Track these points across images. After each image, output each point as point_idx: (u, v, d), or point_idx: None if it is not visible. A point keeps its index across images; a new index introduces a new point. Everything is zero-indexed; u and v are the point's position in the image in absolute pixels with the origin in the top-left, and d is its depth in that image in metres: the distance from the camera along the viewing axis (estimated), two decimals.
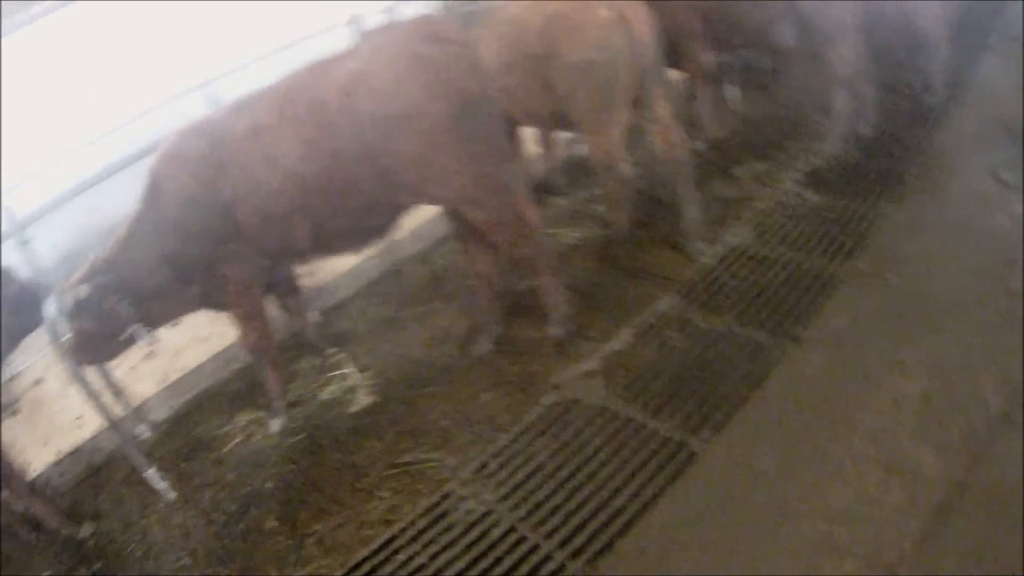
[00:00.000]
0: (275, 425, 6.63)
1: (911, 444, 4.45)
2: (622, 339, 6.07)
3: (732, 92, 9.66)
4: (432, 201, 5.97)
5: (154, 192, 6.05)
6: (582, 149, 7.35)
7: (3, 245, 6.50)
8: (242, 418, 6.95)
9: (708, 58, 8.53)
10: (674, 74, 9.10)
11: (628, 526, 4.54)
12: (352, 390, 6.79)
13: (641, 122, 6.73)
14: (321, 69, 5.80)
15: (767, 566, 4.06)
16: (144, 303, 6.21)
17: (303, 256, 6.47)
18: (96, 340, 6.12)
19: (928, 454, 4.36)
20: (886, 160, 7.49)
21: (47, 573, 6.10)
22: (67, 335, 6.07)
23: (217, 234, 6.00)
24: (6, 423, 6.66)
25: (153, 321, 6.36)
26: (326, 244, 6.25)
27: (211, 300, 6.50)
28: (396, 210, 6.11)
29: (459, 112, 5.51)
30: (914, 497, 4.15)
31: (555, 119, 7.12)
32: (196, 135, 5.99)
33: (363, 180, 5.72)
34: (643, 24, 6.36)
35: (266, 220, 5.93)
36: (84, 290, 5.86)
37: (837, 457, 4.52)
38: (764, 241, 6.70)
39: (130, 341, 6.29)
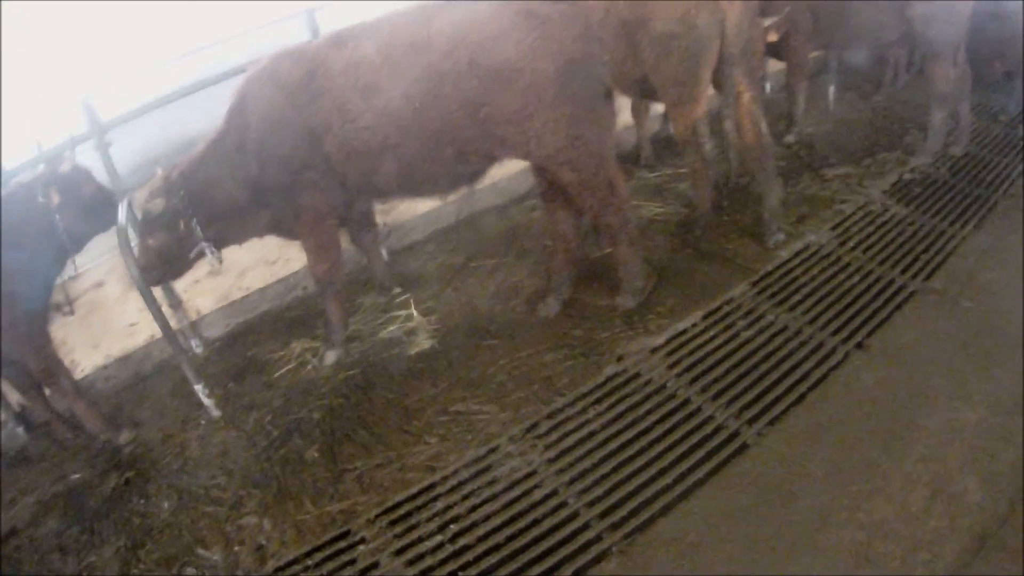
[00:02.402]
0: (330, 357, 6.69)
1: (959, 470, 4.40)
2: (690, 320, 6.03)
3: (830, 91, 9.61)
4: (526, 157, 5.95)
5: (241, 111, 6.09)
6: (672, 128, 7.34)
7: (83, 146, 6.54)
8: (297, 346, 7.03)
9: (811, 54, 8.51)
10: (776, 64, 9.11)
11: (670, 508, 4.53)
12: (412, 332, 6.82)
13: (722, 106, 6.73)
14: (432, 12, 5.80)
15: (801, 569, 4.03)
16: (216, 222, 6.27)
17: (386, 194, 6.49)
18: (164, 256, 6.16)
19: (974, 483, 4.30)
20: (974, 184, 7.36)
21: (77, 475, 6.23)
22: (136, 244, 6.17)
23: (302, 162, 6.05)
24: (59, 322, 6.75)
25: (222, 241, 6.40)
26: (412, 186, 6.27)
27: (283, 226, 6.53)
28: (487, 161, 6.11)
29: (564, 71, 5.53)
30: (955, 523, 4.11)
31: (641, 88, 7.09)
32: (294, 60, 6.01)
33: (461, 127, 5.74)
34: (735, 7, 6.32)
35: (356, 155, 5.95)
36: (159, 204, 5.91)
37: (885, 471, 4.48)
38: (843, 244, 6.60)
39: (197, 259, 6.36)
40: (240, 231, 6.52)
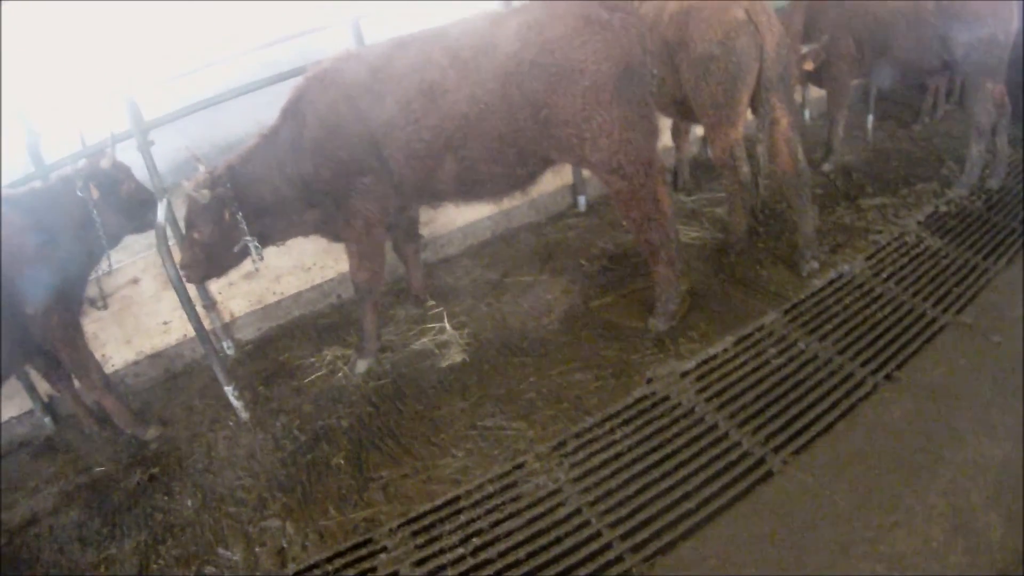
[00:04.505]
0: (361, 365, 6.71)
1: (983, 507, 4.37)
2: (721, 345, 6.04)
3: (869, 120, 9.59)
4: (580, 161, 6.04)
5: (298, 110, 6.14)
6: (711, 152, 7.37)
7: (124, 144, 6.59)
8: (329, 353, 7.06)
9: (852, 82, 8.51)
10: (816, 92, 9.11)
11: (692, 532, 4.52)
12: (445, 345, 6.84)
13: (758, 131, 6.75)
14: (494, 17, 5.95)
15: None
16: (261, 218, 6.30)
17: (441, 197, 6.52)
18: (208, 250, 6.19)
19: (998, 521, 4.27)
20: (1009, 217, 7.32)
21: (101, 468, 6.29)
22: (176, 240, 6.22)
23: (358, 165, 6.09)
24: (93, 317, 6.80)
25: (266, 238, 6.43)
26: (469, 188, 6.33)
27: (330, 228, 6.56)
28: (544, 164, 6.19)
29: (621, 76, 5.65)
30: (975, 560, 4.09)
31: (680, 109, 7.17)
32: (355, 62, 6.09)
33: (521, 129, 5.83)
34: (773, 33, 6.40)
35: (417, 156, 6.01)
36: (205, 196, 5.91)
37: (909, 505, 4.45)
38: (876, 274, 6.59)
39: (240, 256, 6.37)
40: (285, 229, 6.56)
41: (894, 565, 4.15)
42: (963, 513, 4.40)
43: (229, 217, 6.09)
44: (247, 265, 6.53)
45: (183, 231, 6.46)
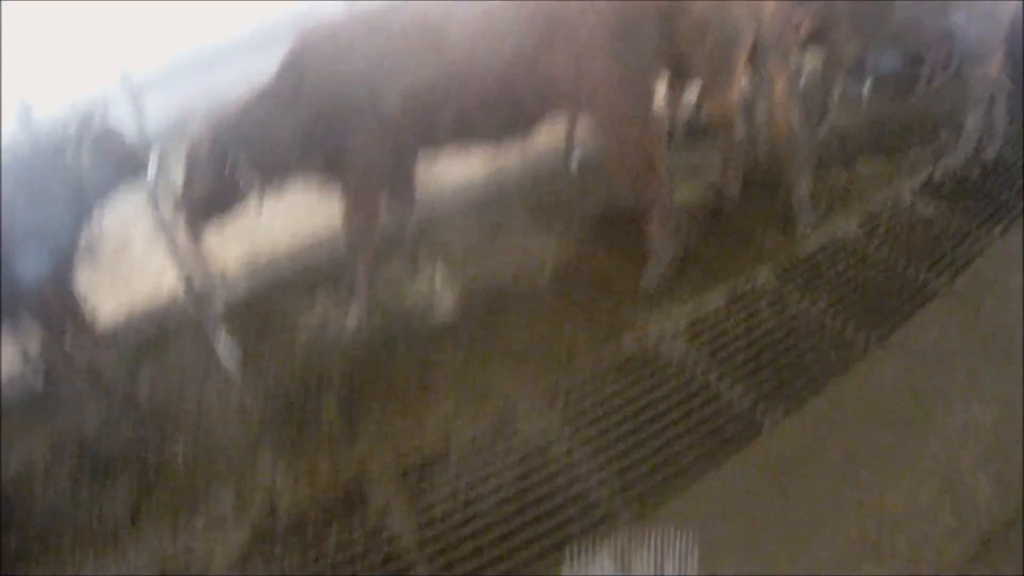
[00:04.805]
0: (353, 318, 6.70)
1: (971, 471, 4.39)
2: (713, 304, 6.07)
3: (866, 87, 9.58)
4: (575, 116, 6.07)
5: (297, 60, 6.13)
6: (705, 112, 7.37)
7: (115, 105, 6.56)
8: (321, 306, 7.07)
9: (849, 46, 8.49)
10: (813, 56, 9.08)
11: (682, 488, 4.55)
12: (436, 299, 6.86)
13: (754, 93, 6.74)
14: None
15: (808, 556, 4.05)
16: (261, 167, 6.25)
17: (437, 148, 6.52)
18: (207, 198, 6.19)
19: (985, 484, 4.30)
20: (1004, 188, 7.33)
21: (93, 422, 6.27)
22: (171, 192, 6.22)
23: (356, 117, 6.08)
24: (84, 271, 6.80)
25: (265, 186, 6.39)
26: (465, 139, 6.33)
27: (327, 179, 6.54)
28: (540, 116, 6.18)
29: (620, 29, 5.61)
30: (963, 522, 4.11)
31: (676, 68, 7.13)
32: (354, 14, 6.14)
33: (519, 81, 5.81)
34: None
35: (416, 107, 6.00)
36: (205, 145, 5.93)
37: (898, 465, 4.49)
38: (869, 239, 6.60)
39: (240, 204, 6.37)
40: (284, 178, 6.52)
41: (883, 523, 4.17)
42: (952, 475, 4.42)
43: (230, 165, 6.07)
44: (240, 218, 6.52)
45: (174, 188, 6.44)
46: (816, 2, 7.47)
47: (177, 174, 6.29)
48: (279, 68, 6.18)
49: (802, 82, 9.53)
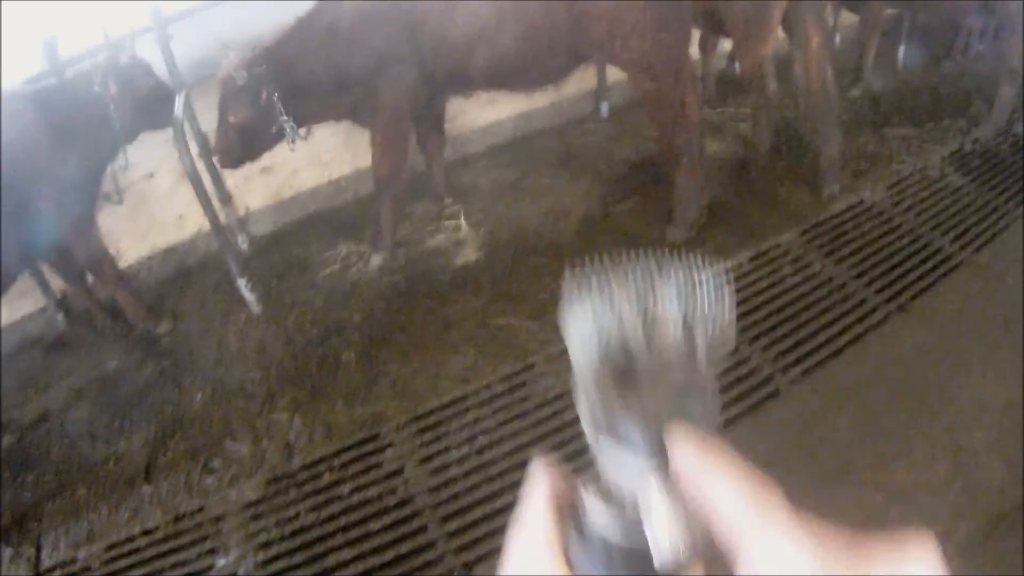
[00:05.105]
0: (376, 260, 6.74)
1: (984, 448, 4.37)
2: (737, 259, 6.06)
3: (900, 51, 9.50)
4: (610, 59, 6.03)
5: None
6: (738, 66, 7.34)
7: (143, 40, 6.51)
8: (344, 248, 7.07)
9: (885, 8, 8.42)
10: (849, 17, 9.00)
11: None
12: (460, 243, 6.86)
13: (791, 50, 6.70)
14: None
15: None
16: (296, 100, 6.24)
17: (471, 88, 6.56)
18: (244, 133, 6.19)
19: (997, 464, 4.28)
20: None
21: (113, 363, 6.34)
22: (192, 134, 6.21)
23: (393, 54, 6.09)
24: (106, 211, 6.81)
25: (299, 121, 6.36)
26: (499, 79, 6.35)
27: (361, 115, 6.54)
28: (576, 59, 6.18)
29: None
30: (973, 500, 4.11)
31: (710, 21, 7.07)
32: None
33: (556, 21, 5.78)
34: None
35: (449, 45, 6.01)
36: (243, 76, 5.88)
37: (912, 438, 4.47)
38: (896, 205, 6.56)
39: (276, 139, 6.35)
40: (319, 112, 6.52)
41: (893, 496, 4.16)
42: (965, 452, 4.40)
43: (266, 98, 6.06)
44: (264, 159, 6.58)
45: (200, 126, 6.50)
46: None
47: (205, 110, 6.28)
48: (313, 6, 6.17)
49: (837, 41, 9.48)
